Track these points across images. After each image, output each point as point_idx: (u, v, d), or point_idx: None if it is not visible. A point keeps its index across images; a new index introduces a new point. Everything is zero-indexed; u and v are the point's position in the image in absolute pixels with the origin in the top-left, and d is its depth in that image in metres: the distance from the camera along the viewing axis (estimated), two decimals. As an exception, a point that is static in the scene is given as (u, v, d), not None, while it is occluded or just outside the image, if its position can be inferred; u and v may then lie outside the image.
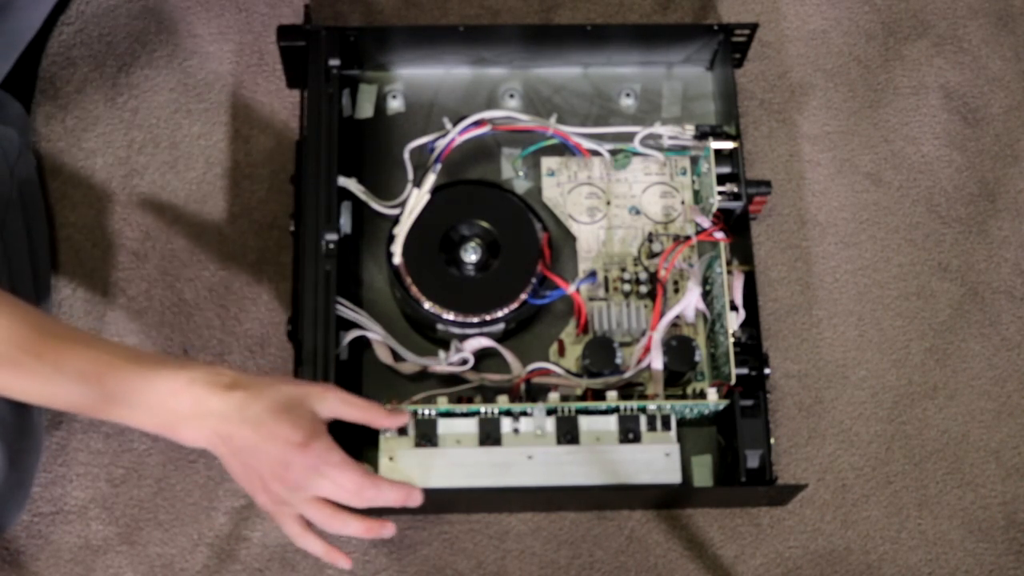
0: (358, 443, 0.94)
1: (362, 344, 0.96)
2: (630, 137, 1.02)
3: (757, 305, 0.97)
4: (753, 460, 0.91)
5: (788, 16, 1.12)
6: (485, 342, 0.95)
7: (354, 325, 0.95)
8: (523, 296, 0.96)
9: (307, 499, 0.82)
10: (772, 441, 0.93)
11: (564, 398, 0.93)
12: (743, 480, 0.91)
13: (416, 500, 0.84)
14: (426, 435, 0.90)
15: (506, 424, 0.91)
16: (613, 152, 1.02)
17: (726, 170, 0.98)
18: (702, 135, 1.01)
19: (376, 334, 0.95)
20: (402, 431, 0.91)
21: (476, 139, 1.01)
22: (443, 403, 0.91)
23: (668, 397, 0.94)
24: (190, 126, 1.05)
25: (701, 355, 0.95)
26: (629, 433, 0.91)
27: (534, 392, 0.94)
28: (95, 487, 0.94)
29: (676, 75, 1.07)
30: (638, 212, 1.01)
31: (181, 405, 0.79)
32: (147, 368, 0.79)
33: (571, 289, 0.97)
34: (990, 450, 0.99)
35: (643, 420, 0.92)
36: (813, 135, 1.08)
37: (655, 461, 0.91)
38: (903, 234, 1.06)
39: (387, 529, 0.85)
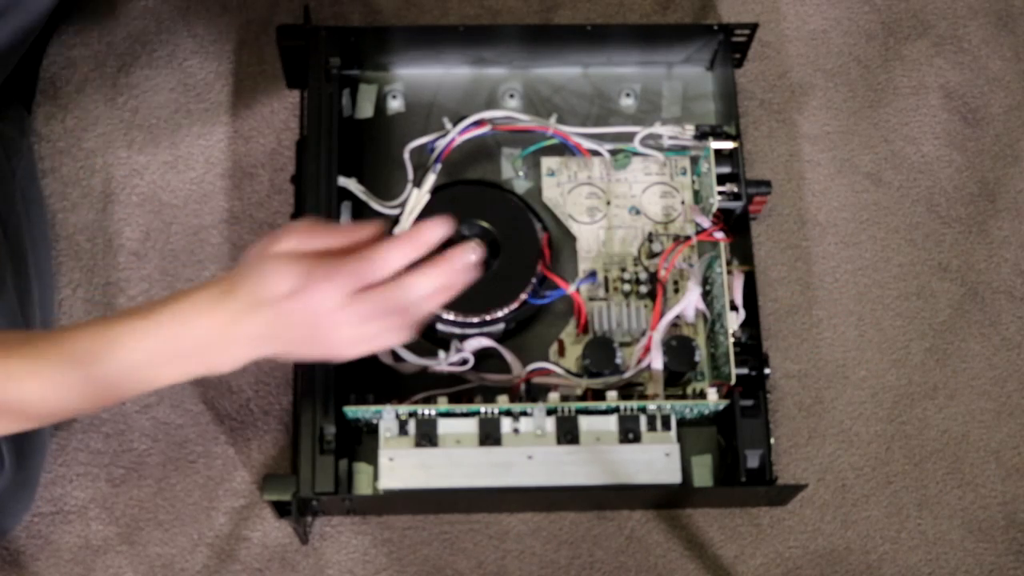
0: (351, 445, 0.94)
1: (362, 344, 0.96)
2: (630, 137, 1.02)
3: (757, 305, 0.97)
4: (753, 460, 0.91)
5: (788, 16, 1.12)
6: (485, 342, 0.95)
7: (354, 325, 0.95)
8: (523, 296, 0.96)
9: (360, 321, 0.75)
10: (772, 441, 0.93)
11: (564, 398, 0.93)
12: (743, 480, 0.91)
13: (439, 232, 0.76)
14: (426, 435, 0.90)
15: (506, 424, 0.91)
16: (613, 152, 1.02)
17: (726, 170, 0.98)
18: (702, 135, 1.01)
19: (376, 334, 0.95)
20: (403, 431, 0.91)
21: (476, 139, 1.01)
22: (443, 403, 0.91)
23: (668, 397, 0.94)
24: (190, 126, 1.05)
25: (701, 355, 0.95)
26: (629, 433, 0.91)
27: (534, 392, 0.94)
28: (95, 487, 0.94)
29: (676, 75, 1.07)
30: (638, 212, 1.01)
31: (200, 334, 0.74)
32: (153, 315, 0.74)
33: (571, 289, 0.97)
34: (990, 450, 0.99)
35: (643, 420, 0.92)
36: (813, 135, 1.08)
37: (655, 461, 0.91)
38: (903, 234, 1.06)
39: (470, 253, 0.76)
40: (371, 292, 0.75)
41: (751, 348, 0.95)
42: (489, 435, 0.91)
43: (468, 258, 0.77)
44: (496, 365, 0.96)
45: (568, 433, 0.91)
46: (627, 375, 0.94)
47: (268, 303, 0.74)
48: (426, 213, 0.97)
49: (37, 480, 0.92)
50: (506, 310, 0.95)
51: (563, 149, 1.02)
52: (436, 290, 0.76)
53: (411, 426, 0.91)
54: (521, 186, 1.02)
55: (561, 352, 0.97)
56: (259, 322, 0.74)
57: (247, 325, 0.74)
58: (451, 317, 0.95)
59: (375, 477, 0.91)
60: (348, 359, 0.78)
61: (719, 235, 0.96)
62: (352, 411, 0.91)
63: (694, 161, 1.02)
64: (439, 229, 0.77)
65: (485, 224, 0.98)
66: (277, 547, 0.93)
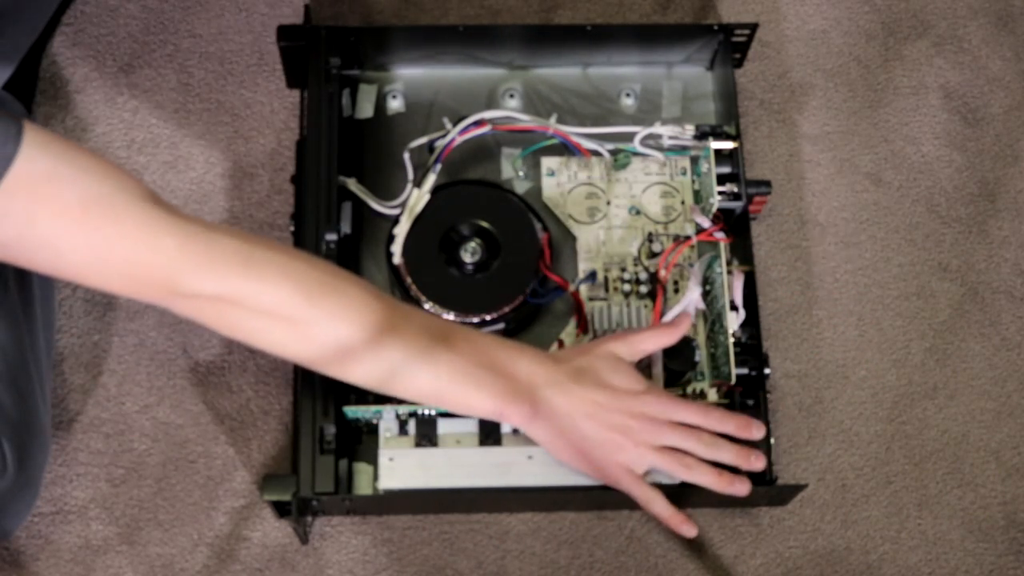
0: (351, 445, 0.94)
1: (362, 344, 0.96)
2: (630, 137, 1.02)
3: (757, 305, 0.97)
4: (753, 460, 0.91)
5: (788, 16, 1.12)
6: (485, 342, 0.95)
7: (354, 325, 0.95)
8: (523, 296, 0.96)
9: (653, 449, 0.86)
10: (772, 441, 0.93)
11: (564, 398, 0.93)
12: (743, 480, 0.91)
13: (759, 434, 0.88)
14: (426, 435, 0.90)
15: (506, 424, 0.91)
16: (613, 152, 1.02)
17: (726, 170, 0.98)
18: (702, 135, 1.01)
19: (376, 334, 0.95)
20: (403, 431, 0.91)
21: (476, 139, 1.01)
22: (443, 403, 0.91)
23: (668, 397, 0.94)
24: (190, 126, 1.05)
25: (701, 355, 0.95)
26: (629, 433, 0.91)
27: (534, 392, 0.94)
28: (95, 487, 0.94)
29: (676, 75, 1.07)
30: (638, 212, 1.01)
31: (536, 377, 0.84)
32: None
33: (571, 289, 0.97)
34: (990, 450, 0.99)
35: (643, 420, 0.92)
36: (813, 135, 1.08)
37: (655, 461, 0.91)
38: (903, 234, 1.06)
39: (742, 485, 0.87)
40: (689, 431, 0.87)
41: (751, 348, 0.95)
42: (489, 435, 0.91)
43: (735, 486, 0.88)
44: (496, 365, 0.96)
45: (568, 433, 0.91)
46: (627, 375, 0.94)
47: (618, 390, 0.86)
48: (426, 213, 0.97)
49: (40, 481, 0.92)
50: (506, 310, 0.95)
51: (563, 149, 1.02)
52: (724, 462, 0.88)
53: (411, 426, 0.91)
54: (521, 186, 1.02)
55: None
56: (591, 399, 0.85)
57: (577, 399, 0.85)
58: (451, 317, 0.95)
59: (375, 477, 0.91)
60: (609, 479, 0.87)
61: (719, 235, 0.96)
62: (352, 411, 0.91)
63: (694, 161, 1.02)
64: (757, 432, 0.89)
65: (485, 224, 0.98)
66: (277, 547, 0.93)
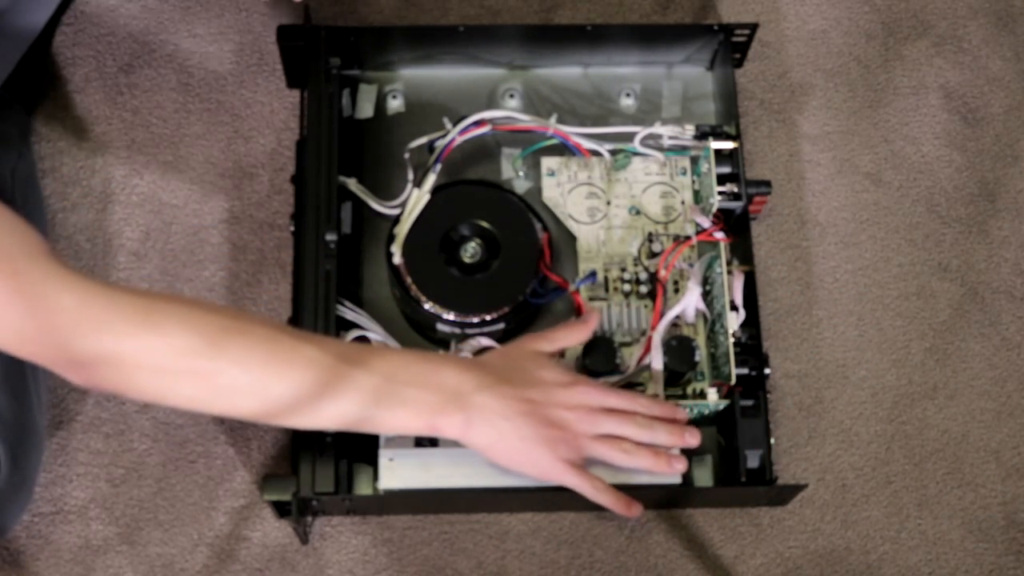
0: (351, 445, 0.94)
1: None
2: (630, 137, 1.02)
3: (757, 305, 0.97)
4: (753, 460, 0.91)
5: (788, 16, 1.12)
6: (485, 342, 0.95)
7: (354, 325, 0.95)
8: (523, 296, 0.96)
9: (592, 438, 0.86)
10: (772, 441, 0.93)
11: (564, 398, 0.93)
12: (743, 480, 0.91)
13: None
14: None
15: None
16: (613, 152, 1.02)
17: (726, 170, 0.98)
18: (702, 135, 1.01)
19: (376, 334, 0.95)
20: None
21: (476, 139, 1.01)
22: (443, 403, 0.91)
23: (668, 397, 0.94)
24: (190, 126, 1.05)
25: (701, 355, 0.95)
26: (629, 433, 0.91)
27: (534, 392, 0.94)
28: (95, 487, 0.94)
29: (676, 75, 1.07)
30: (638, 212, 1.01)
31: (464, 384, 0.83)
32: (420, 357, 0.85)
33: (571, 289, 0.97)
34: (990, 450, 0.99)
35: (643, 420, 0.92)
36: (813, 135, 1.08)
37: (655, 461, 0.91)
38: (903, 234, 1.06)
39: (679, 464, 0.88)
40: (625, 417, 0.87)
41: (751, 348, 0.95)
42: (489, 435, 0.91)
43: (693, 439, 0.89)
44: (496, 365, 0.96)
45: (568, 433, 0.91)
46: (627, 375, 0.94)
47: (547, 383, 0.86)
48: (426, 213, 0.97)
49: (34, 480, 0.92)
50: (506, 310, 0.95)
51: (563, 149, 1.02)
52: (660, 444, 0.89)
53: (411, 426, 0.91)
54: (521, 186, 1.02)
55: (561, 352, 0.97)
56: (523, 397, 0.84)
57: (510, 398, 0.84)
58: (451, 317, 0.95)
59: (375, 477, 0.91)
60: (554, 477, 0.86)
61: (719, 235, 0.96)
62: (352, 411, 0.91)
63: (694, 161, 1.02)
64: (682, 415, 0.90)
65: (485, 224, 0.98)
66: (277, 547, 0.93)
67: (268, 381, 0.76)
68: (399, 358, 0.84)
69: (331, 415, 0.80)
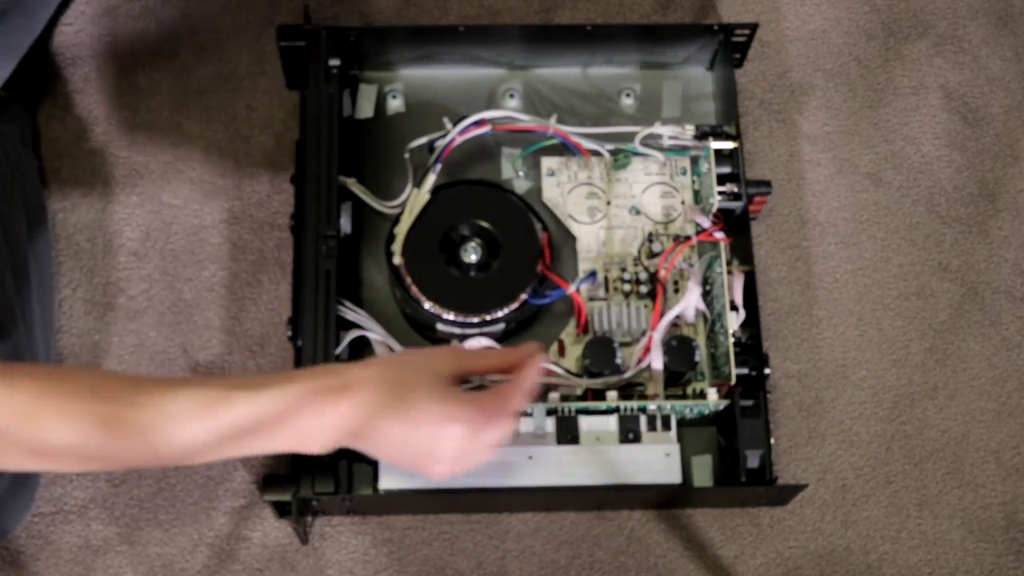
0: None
1: (362, 344, 0.96)
2: (630, 137, 1.02)
3: (757, 305, 0.97)
4: (753, 460, 0.91)
5: (788, 16, 1.12)
6: (485, 342, 0.95)
7: (354, 325, 0.95)
8: (523, 296, 0.96)
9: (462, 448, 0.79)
10: (772, 441, 0.93)
11: (564, 398, 0.93)
12: (743, 480, 0.91)
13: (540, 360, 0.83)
14: (426, 435, 0.90)
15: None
16: (613, 152, 1.02)
17: (726, 170, 0.98)
18: (702, 135, 1.01)
19: (376, 334, 0.95)
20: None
21: (476, 139, 1.01)
22: (443, 403, 0.91)
23: (668, 397, 0.94)
24: (190, 126, 1.05)
25: (701, 355, 0.95)
26: (629, 433, 0.91)
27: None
28: (95, 487, 0.94)
29: (676, 75, 1.07)
30: (638, 212, 1.01)
31: (304, 420, 0.75)
32: (254, 393, 0.75)
33: (571, 289, 0.97)
34: (990, 450, 0.99)
35: (643, 420, 0.92)
36: (813, 135, 1.08)
37: (655, 461, 0.91)
38: (903, 234, 1.06)
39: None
40: (489, 425, 0.79)
41: (751, 348, 0.95)
42: (489, 435, 0.91)
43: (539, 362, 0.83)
44: (496, 365, 0.96)
45: (568, 433, 0.91)
46: (627, 375, 0.94)
47: (407, 427, 0.77)
48: (426, 213, 0.97)
49: (37, 481, 0.92)
50: (506, 310, 0.95)
51: (563, 149, 1.02)
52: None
53: (411, 426, 0.90)
54: (521, 186, 1.02)
55: (561, 352, 0.97)
56: (379, 430, 0.77)
57: (376, 420, 0.77)
58: (451, 317, 0.95)
59: (375, 477, 0.91)
60: (437, 478, 0.80)
61: (719, 235, 0.96)
62: (352, 411, 0.90)
63: (694, 161, 1.02)
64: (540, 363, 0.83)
65: (485, 224, 0.98)
66: (277, 547, 0.93)
67: (180, 440, 0.74)
68: (275, 395, 0.76)
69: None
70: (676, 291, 0.99)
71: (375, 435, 0.78)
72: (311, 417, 0.76)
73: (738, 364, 0.92)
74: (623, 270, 0.99)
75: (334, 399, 0.76)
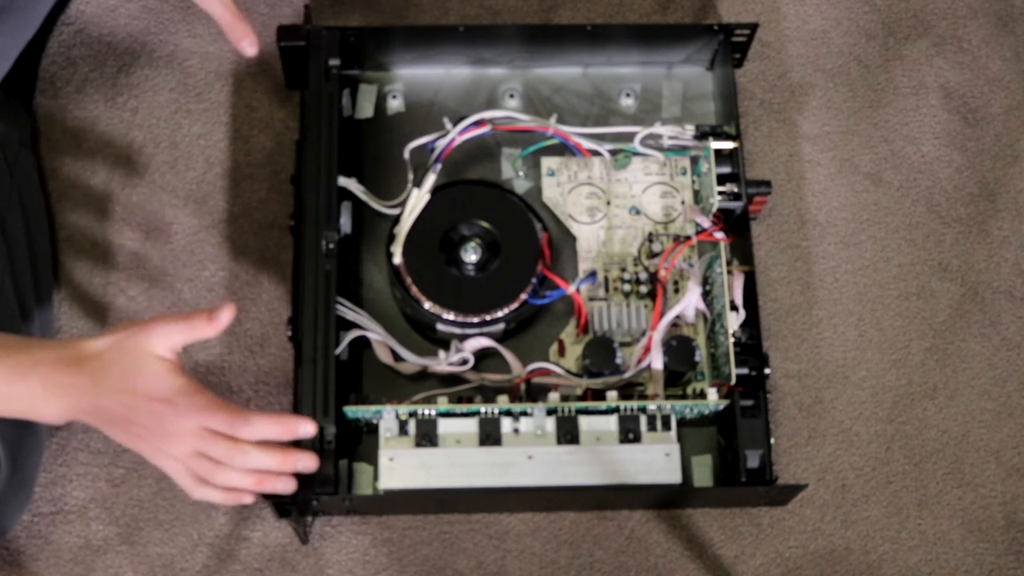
0: (351, 445, 0.94)
1: (362, 344, 0.96)
2: (630, 137, 1.02)
3: (757, 305, 0.97)
4: (753, 460, 0.91)
5: (788, 16, 1.12)
6: (485, 342, 0.95)
7: (354, 325, 0.95)
8: (523, 296, 0.96)
9: (191, 453, 0.80)
10: (772, 441, 0.93)
11: (564, 398, 0.93)
12: (743, 480, 0.91)
13: (308, 431, 0.82)
14: (426, 435, 0.90)
15: (506, 424, 0.91)
16: (613, 152, 1.02)
17: (726, 170, 0.98)
18: (702, 135, 1.01)
19: (376, 334, 0.95)
20: (403, 431, 0.91)
21: (476, 139, 1.01)
22: (443, 403, 0.91)
23: (668, 397, 0.94)
24: (190, 126, 1.05)
25: (701, 355, 0.95)
26: (629, 433, 0.91)
27: (534, 392, 0.94)
28: (95, 487, 0.94)
29: (676, 75, 1.07)
30: (638, 212, 1.01)
31: (32, 388, 0.78)
32: None
33: (571, 289, 0.97)
34: (990, 450, 0.99)
35: (643, 420, 0.92)
36: (813, 135, 1.08)
37: (655, 461, 0.91)
38: (903, 234, 1.06)
39: (278, 483, 0.82)
40: (220, 439, 0.80)
41: (751, 348, 0.95)
42: (489, 435, 0.91)
43: (306, 464, 0.83)
44: (496, 365, 0.97)
45: (568, 433, 0.91)
46: (627, 375, 0.94)
47: (139, 395, 0.78)
48: (426, 213, 0.97)
49: (34, 481, 0.92)
50: (506, 310, 0.95)
51: (563, 149, 1.02)
52: (263, 469, 0.82)
53: (411, 426, 0.91)
54: (521, 186, 1.02)
55: (561, 352, 0.97)
56: (117, 403, 0.79)
57: (104, 399, 0.78)
58: (451, 317, 0.95)
59: (375, 477, 0.91)
60: (156, 464, 0.81)
61: (719, 235, 0.96)
62: (352, 411, 0.91)
63: (694, 161, 1.02)
64: (309, 428, 0.82)
65: (485, 224, 0.98)
66: (277, 547, 0.93)
67: None
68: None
69: None
70: (676, 291, 0.99)
71: (104, 410, 0.79)
72: (41, 386, 0.78)
73: (738, 364, 0.92)
74: (623, 270, 0.99)
75: (64, 370, 0.78)
